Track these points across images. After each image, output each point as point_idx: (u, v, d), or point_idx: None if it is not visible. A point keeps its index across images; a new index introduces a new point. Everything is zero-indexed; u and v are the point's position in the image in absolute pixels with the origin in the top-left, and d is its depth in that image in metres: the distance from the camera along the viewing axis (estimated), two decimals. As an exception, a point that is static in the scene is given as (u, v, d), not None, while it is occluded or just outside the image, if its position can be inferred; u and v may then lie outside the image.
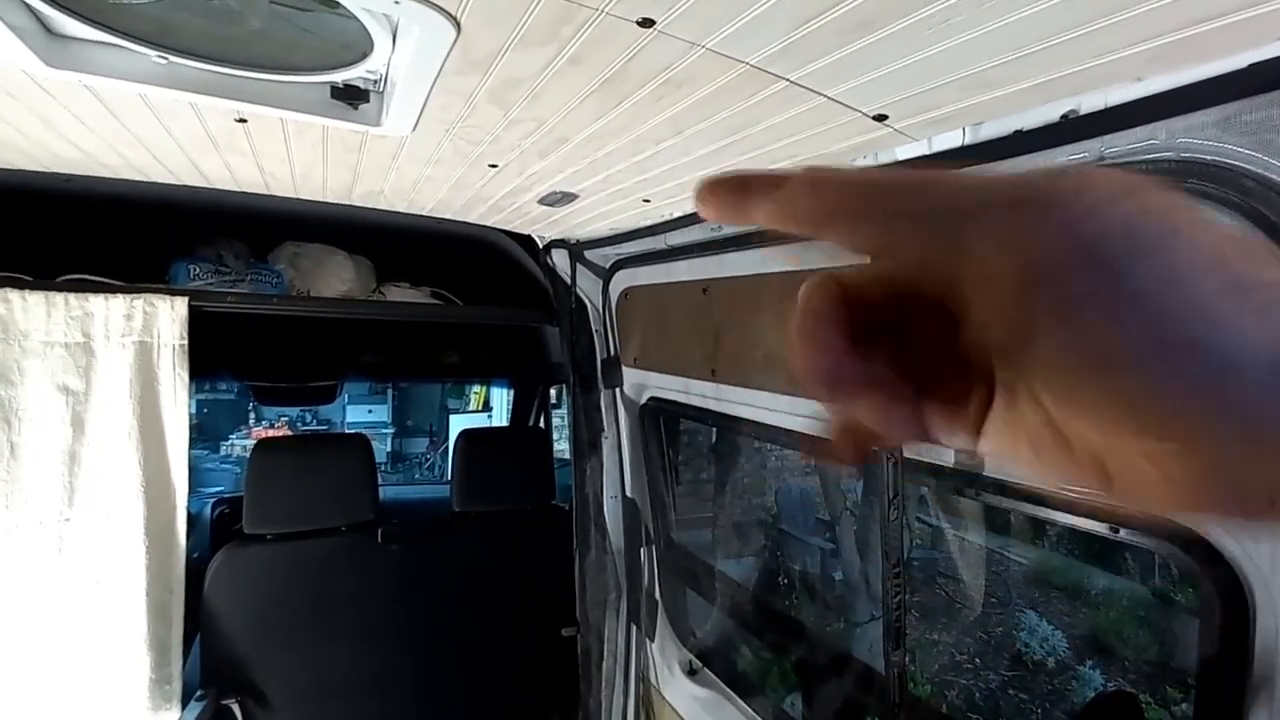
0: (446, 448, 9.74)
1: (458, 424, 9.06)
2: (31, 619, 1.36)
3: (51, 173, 1.26)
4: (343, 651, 1.77)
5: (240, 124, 0.96)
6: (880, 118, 0.77)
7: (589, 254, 1.78)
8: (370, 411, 10.34)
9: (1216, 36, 0.55)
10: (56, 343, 1.36)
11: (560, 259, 1.83)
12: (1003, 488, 0.90)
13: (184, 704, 1.49)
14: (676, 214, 1.34)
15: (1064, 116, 0.70)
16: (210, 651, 1.63)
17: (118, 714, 1.41)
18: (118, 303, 1.40)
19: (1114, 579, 5.12)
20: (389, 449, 10.43)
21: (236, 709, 1.62)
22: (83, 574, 1.38)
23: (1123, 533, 0.77)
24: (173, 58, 0.78)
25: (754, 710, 1.63)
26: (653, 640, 1.90)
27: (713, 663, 1.83)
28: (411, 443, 11.01)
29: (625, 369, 1.84)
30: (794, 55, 0.64)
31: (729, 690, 1.73)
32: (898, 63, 0.64)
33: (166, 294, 1.45)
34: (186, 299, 1.46)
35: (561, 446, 3.09)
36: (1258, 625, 0.66)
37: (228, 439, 9.35)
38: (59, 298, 1.36)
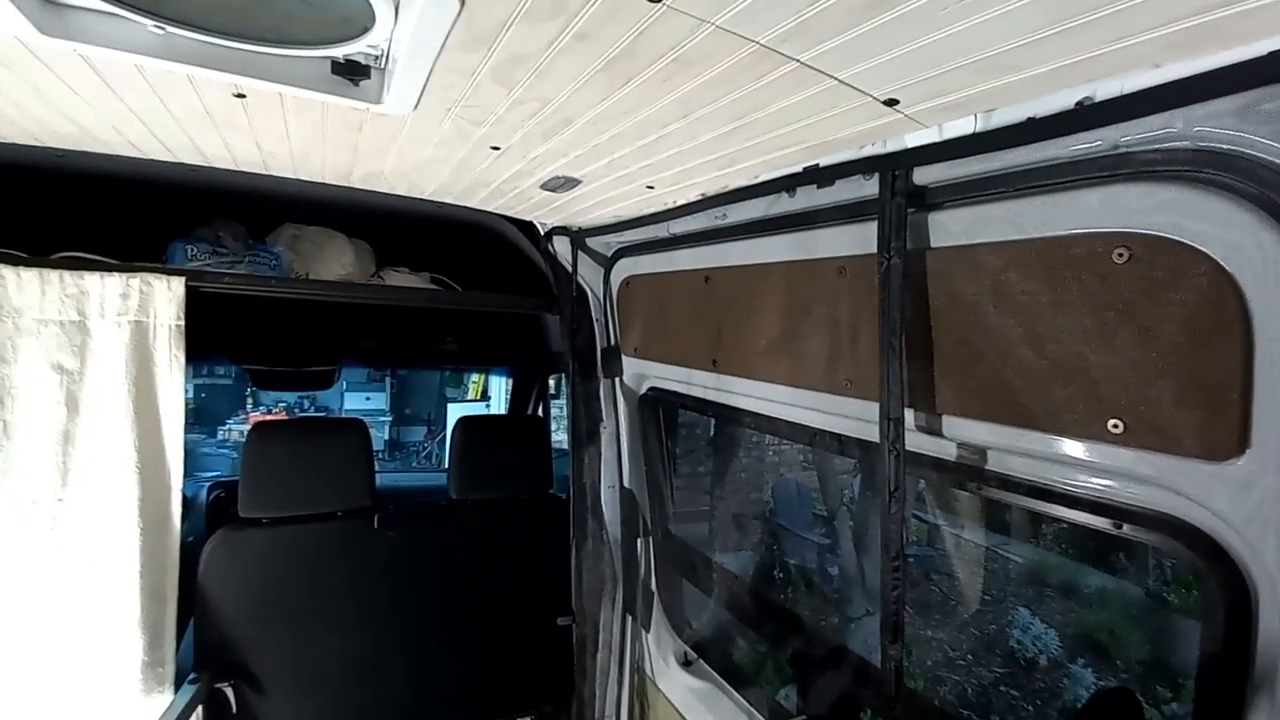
0: (444, 436, 9.74)
1: (456, 413, 9.07)
2: (24, 599, 1.35)
3: (46, 147, 1.24)
4: (337, 637, 1.77)
5: (239, 99, 0.94)
6: (891, 102, 0.76)
7: (591, 241, 1.77)
8: (368, 399, 10.34)
9: (1237, 22, 0.54)
10: (51, 321, 1.34)
11: (562, 246, 1.82)
12: (1005, 482, 0.89)
13: (177, 687, 1.48)
14: (680, 201, 1.32)
15: (1078, 104, 0.68)
16: (204, 635, 1.62)
17: (110, 696, 1.41)
18: (114, 281, 1.38)
19: (1107, 578, 5.14)
20: (386, 437, 10.43)
21: (230, 693, 1.62)
22: (76, 554, 1.37)
23: (1126, 528, 0.76)
24: (170, 28, 0.76)
25: (748, 702, 1.63)
26: (648, 631, 1.90)
27: (708, 654, 1.83)
28: (409, 431, 11.01)
29: (625, 358, 1.83)
30: (805, 35, 0.63)
31: (723, 682, 1.73)
32: (910, 45, 0.63)
33: (163, 273, 1.43)
34: (184, 279, 1.44)
35: (560, 437, 3.08)
36: (1260, 623, 0.66)
37: (225, 424, 9.35)
38: (54, 275, 1.34)
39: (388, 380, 10.49)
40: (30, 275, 1.33)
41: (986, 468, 0.90)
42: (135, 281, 1.40)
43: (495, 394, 9.25)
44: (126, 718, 1.41)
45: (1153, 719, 3.49)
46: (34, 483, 1.34)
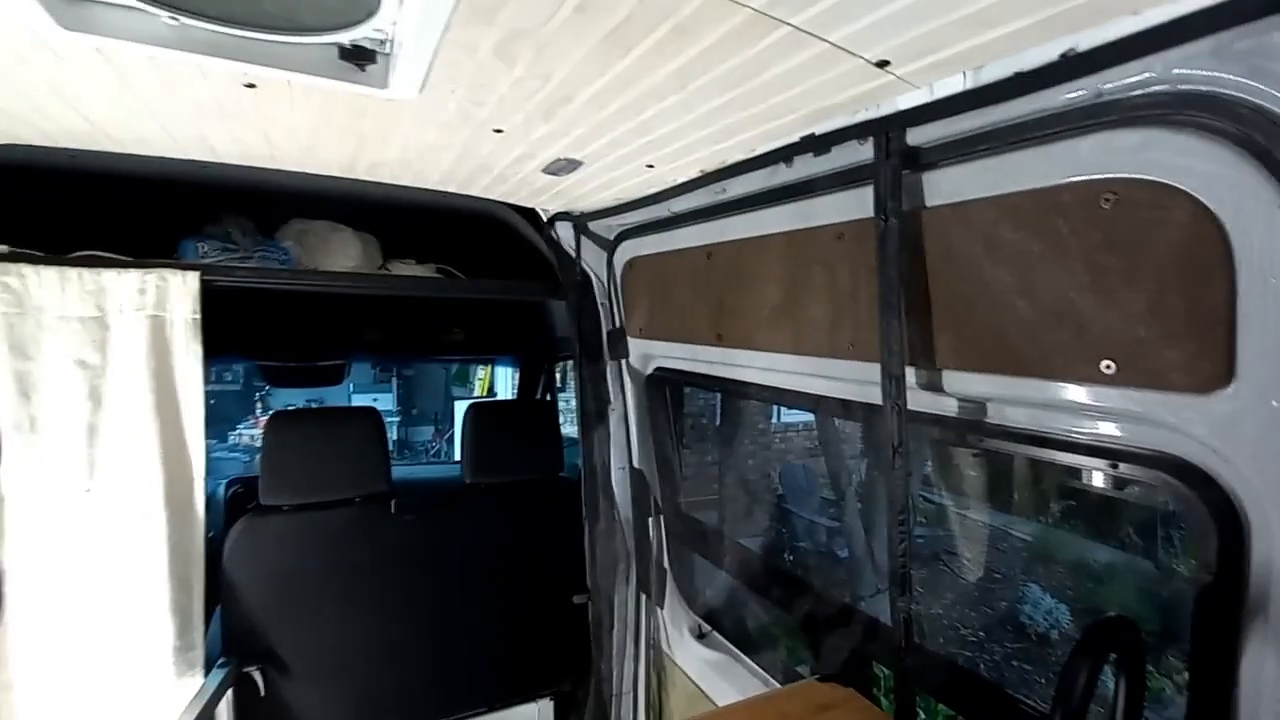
0: (452, 434, 9.81)
1: (463, 410, 9.10)
2: (59, 588, 1.39)
3: (60, 148, 1.28)
4: (359, 620, 1.81)
5: (248, 89, 0.97)
6: (882, 63, 0.78)
7: (593, 225, 1.79)
8: (376, 400, 10.40)
9: None
10: (71, 317, 1.38)
11: (564, 231, 1.85)
12: (1005, 433, 0.92)
13: (207, 671, 1.53)
14: (679, 179, 1.35)
15: (1063, 55, 0.70)
16: (230, 621, 1.66)
17: (144, 681, 1.45)
18: (130, 277, 1.42)
19: (1115, 553, 5.17)
20: (395, 436, 10.51)
21: (258, 676, 1.66)
22: (105, 544, 1.41)
23: (1122, 468, 0.78)
24: (183, 18, 0.79)
25: (761, 668, 1.66)
26: (662, 607, 1.94)
27: (720, 626, 1.87)
28: (417, 430, 11.09)
29: (631, 340, 1.86)
30: (796, -3, 0.65)
31: (737, 651, 1.77)
32: (898, 3, 0.65)
33: (178, 268, 1.46)
34: (198, 273, 1.48)
35: (570, 426, 3.11)
36: (1253, 550, 0.68)
37: (235, 429, 9.44)
38: (72, 272, 1.38)
39: (394, 380, 10.57)
40: (50, 273, 1.36)
41: (986, 420, 0.93)
42: (151, 277, 1.44)
43: (501, 389, 9.29)
44: (161, 700, 1.46)
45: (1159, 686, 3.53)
46: (61, 475, 1.38)
